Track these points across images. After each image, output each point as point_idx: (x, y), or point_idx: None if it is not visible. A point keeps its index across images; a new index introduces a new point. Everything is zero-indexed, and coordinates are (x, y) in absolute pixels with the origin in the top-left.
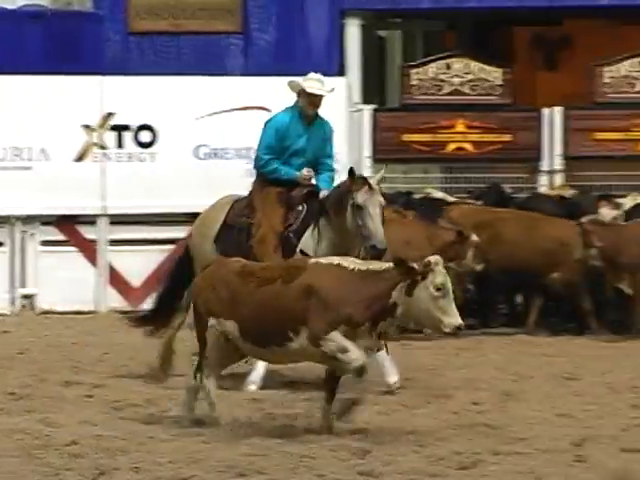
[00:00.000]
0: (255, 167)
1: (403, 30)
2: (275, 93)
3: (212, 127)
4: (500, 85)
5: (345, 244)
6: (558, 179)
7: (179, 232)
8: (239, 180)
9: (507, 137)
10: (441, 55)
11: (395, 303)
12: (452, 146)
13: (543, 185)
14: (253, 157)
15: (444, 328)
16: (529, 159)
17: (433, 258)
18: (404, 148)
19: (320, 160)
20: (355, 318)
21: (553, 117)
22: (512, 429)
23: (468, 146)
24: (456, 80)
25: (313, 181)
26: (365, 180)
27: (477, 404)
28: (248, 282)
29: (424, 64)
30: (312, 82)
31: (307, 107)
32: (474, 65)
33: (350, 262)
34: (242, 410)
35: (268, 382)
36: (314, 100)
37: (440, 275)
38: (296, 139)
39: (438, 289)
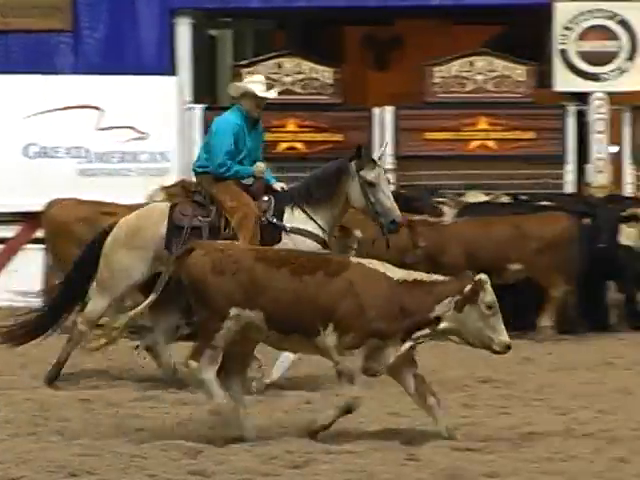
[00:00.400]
0: (217, 173)
1: (233, 29)
2: (105, 91)
3: (42, 126)
4: (331, 85)
5: (339, 220)
6: (390, 178)
7: (7, 232)
8: (69, 179)
9: (338, 137)
10: (271, 54)
11: (438, 317)
12: (283, 145)
13: None
14: (217, 163)
15: (495, 347)
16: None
17: (483, 276)
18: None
19: (257, 160)
20: (387, 332)
21: (384, 117)
22: (343, 428)
23: (299, 145)
24: (287, 79)
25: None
26: (373, 159)
27: (309, 403)
28: (278, 269)
29: (255, 63)
30: (259, 85)
31: (253, 109)
32: (305, 64)
33: (394, 270)
34: (73, 410)
35: (101, 381)
36: (260, 102)
37: (490, 293)
38: (245, 141)
39: (489, 307)
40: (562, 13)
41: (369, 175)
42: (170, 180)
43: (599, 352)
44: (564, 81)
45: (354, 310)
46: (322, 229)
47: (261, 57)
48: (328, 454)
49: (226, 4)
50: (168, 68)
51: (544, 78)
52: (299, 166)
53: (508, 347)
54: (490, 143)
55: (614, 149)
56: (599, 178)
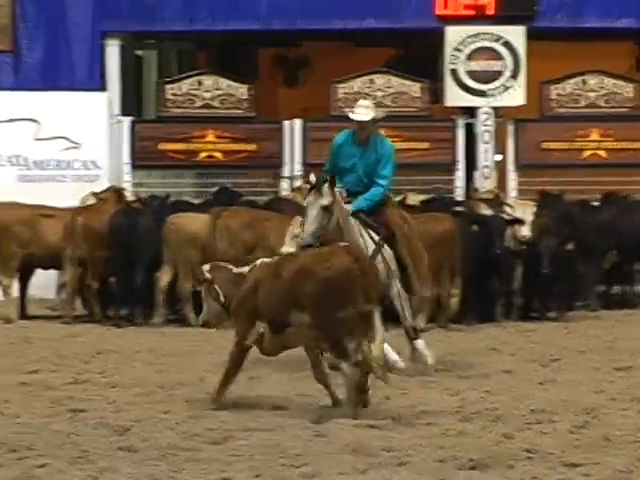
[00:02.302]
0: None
1: (158, 50)
2: (43, 106)
3: None
4: (246, 99)
5: None
6: (298, 183)
7: None
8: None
9: (253, 146)
10: (193, 72)
11: None
12: (204, 154)
13: (284, 189)
14: None
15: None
16: (272, 166)
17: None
18: (160, 156)
19: (373, 179)
20: None
21: (293, 128)
22: (259, 408)
23: (218, 154)
24: (207, 95)
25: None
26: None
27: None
28: None
29: (178, 80)
30: (358, 109)
31: (357, 131)
32: (222, 81)
33: None
34: (12, 393)
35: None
36: (361, 124)
37: None
38: (348, 158)
39: None
40: (452, 36)
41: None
42: (101, 186)
43: (486, 340)
44: (454, 97)
45: None
46: None
47: (183, 75)
48: (245, 431)
49: (151, 27)
50: (99, 84)
51: (437, 94)
52: (218, 172)
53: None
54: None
55: (499, 157)
56: (486, 184)
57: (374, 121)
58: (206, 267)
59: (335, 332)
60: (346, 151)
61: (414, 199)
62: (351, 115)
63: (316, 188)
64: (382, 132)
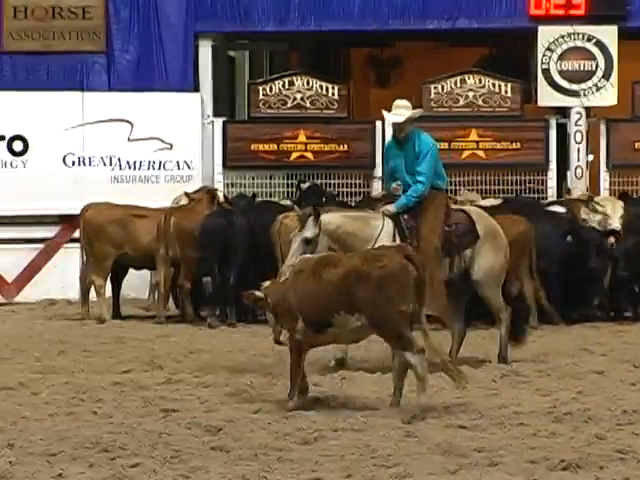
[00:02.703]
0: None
1: (250, 50)
2: (136, 107)
3: (79, 137)
4: (337, 100)
5: None
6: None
7: (49, 232)
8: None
9: (344, 147)
10: (285, 73)
11: None
12: (295, 155)
13: (376, 190)
14: None
15: None
16: (364, 166)
17: None
18: (252, 156)
19: (413, 172)
20: None
21: (385, 129)
22: (349, 408)
23: (309, 155)
24: (298, 95)
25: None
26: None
27: (317, 385)
28: None
29: (270, 81)
30: (395, 110)
31: (396, 133)
32: (314, 82)
33: None
34: (106, 393)
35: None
36: (397, 126)
37: None
38: (393, 159)
39: None
40: (545, 36)
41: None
42: (193, 187)
43: (578, 340)
44: (546, 97)
45: None
46: None
47: (275, 76)
48: (335, 431)
49: (244, 27)
50: (191, 85)
51: (529, 94)
52: (310, 172)
53: None
54: (480, 153)
55: (591, 157)
56: (578, 184)
57: (411, 120)
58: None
59: (396, 326)
60: (392, 153)
61: (471, 198)
62: (387, 118)
63: (300, 222)
64: (420, 130)
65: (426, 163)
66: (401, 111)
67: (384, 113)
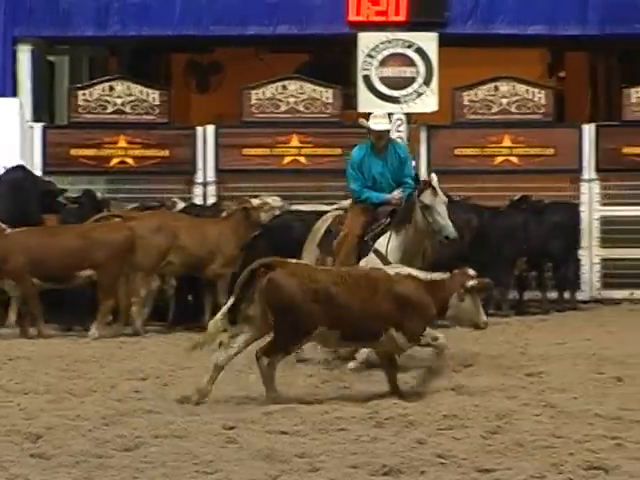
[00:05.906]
0: (354, 199)
1: (70, 55)
2: None
3: None
4: (158, 105)
5: (413, 244)
6: (211, 190)
7: None
8: None
9: (165, 152)
10: (104, 78)
11: (447, 307)
12: (115, 160)
13: (198, 195)
14: (350, 189)
15: (482, 325)
16: (185, 172)
17: (472, 270)
18: (72, 162)
19: (402, 180)
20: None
21: (206, 134)
22: (171, 414)
23: (130, 160)
24: (119, 101)
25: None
26: (428, 183)
27: (138, 392)
28: None
29: (89, 86)
30: (377, 119)
31: (376, 141)
32: (135, 87)
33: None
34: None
35: None
36: (380, 134)
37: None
38: (373, 168)
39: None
40: (365, 42)
41: (425, 199)
42: None
43: None
44: (367, 103)
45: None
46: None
47: (95, 81)
48: (156, 437)
49: (64, 32)
50: (10, 90)
51: (350, 101)
52: (130, 179)
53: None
54: (302, 159)
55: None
56: None
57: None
58: None
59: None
60: (372, 161)
61: None
62: (372, 126)
63: (431, 186)
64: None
65: (408, 168)
66: (381, 120)
67: (362, 121)
